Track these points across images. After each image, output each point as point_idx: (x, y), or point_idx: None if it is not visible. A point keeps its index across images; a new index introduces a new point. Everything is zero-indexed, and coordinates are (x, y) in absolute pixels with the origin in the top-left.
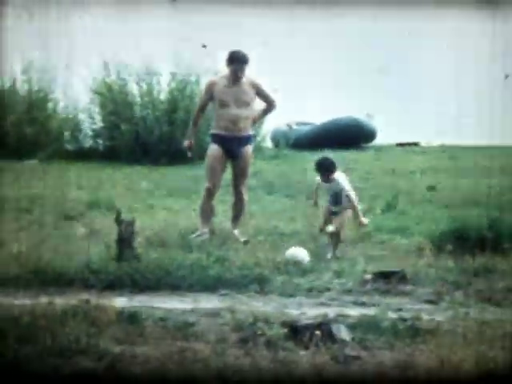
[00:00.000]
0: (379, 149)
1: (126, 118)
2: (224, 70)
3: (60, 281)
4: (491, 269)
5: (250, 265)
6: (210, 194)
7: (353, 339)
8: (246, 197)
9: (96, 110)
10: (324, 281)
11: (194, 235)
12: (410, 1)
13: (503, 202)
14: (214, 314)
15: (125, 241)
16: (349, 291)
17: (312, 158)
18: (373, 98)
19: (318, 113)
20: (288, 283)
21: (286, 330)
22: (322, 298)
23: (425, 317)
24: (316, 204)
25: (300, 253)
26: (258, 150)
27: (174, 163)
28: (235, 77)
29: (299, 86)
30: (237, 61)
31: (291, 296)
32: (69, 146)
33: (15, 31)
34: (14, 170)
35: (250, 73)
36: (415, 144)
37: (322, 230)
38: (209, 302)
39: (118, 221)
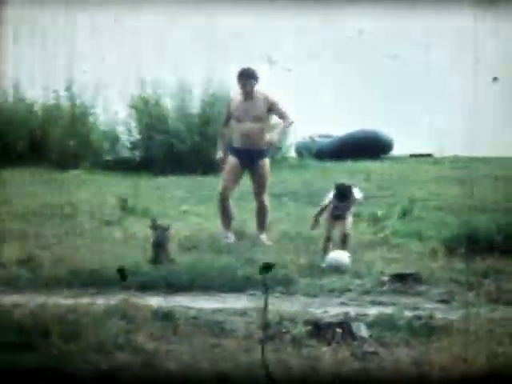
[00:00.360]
0: (395, 159)
1: (161, 130)
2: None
3: (100, 282)
4: (500, 270)
5: (276, 267)
6: (222, 198)
7: (371, 336)
8: (267, 204)
9: (133, 123)
10: (344, 282)
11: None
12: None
13: (511, 208)
14: (243, 313)
15: (160, 245)
16: (367, 292)
17: (333, 167)
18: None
19: (336, 125)
20: (311, 284)
21: (309, 328)
22: (343, 298)
23: (438, 315)
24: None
25: (342, 256)
26: (283, 160)
27: (205, 172)
28: (245, 92)
29: (321, 100)
30: (243, 76)
31: (314, 296)
32: (108, 157)
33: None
34: (58, 179)
35: (271, 88)
36: (429, 155)
37: (329, 239)
38: (237, 301)
39: (154, 226)
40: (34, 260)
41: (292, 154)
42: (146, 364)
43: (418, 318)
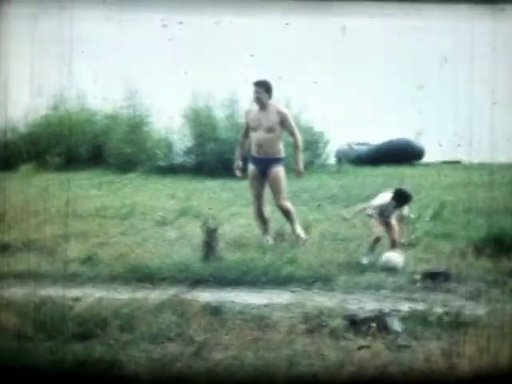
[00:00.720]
0: (427, 165)
1: (212, 138)
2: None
3: (154, 278)
4: None
5: (316, 265)
6: (255, 204)
7: (404, 330)
8: (288, 207)
9: (186, 131)
10: (379, 279)
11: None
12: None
13: None
14: (285, 308)
15: (209, 244)
16: (401, 288)
17: (370, 173)
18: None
19: (372, 133)
20: (348, 281)
21: (346, 322)
22: (378, 294)
23: (466, 311)
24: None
25: (395, 257)
26: (323, 166)
27: None
28: (259, 103)
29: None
30: (257, 88)
31: (351, 293)
32: (162, 163)
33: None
34: (116, 183)
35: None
36: (458, 162)
37: (379, 239)
38: (281, 297)
39: (204, 227)
40: (94, 258)
41: (332, 160)
42: (195, 354)
43: (448, 313)
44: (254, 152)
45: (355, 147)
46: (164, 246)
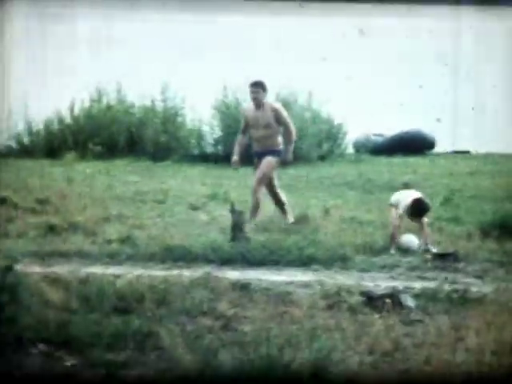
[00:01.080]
0: (438, 155)
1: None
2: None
3: (187, 257)
4: None
5: (335, 247)
6: (268, 192)
7: (417, 306)
8: (258, 196)
9: (216, 123)
10: (394, 259)
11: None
12: None
13: None
14: (307, 285)
15: (238, 226)
16: (413, 268)
17: (385, 162)
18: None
19: (388, 124)
20: (365, 261)
21: (363, 299)
22: (393, 273)
23: (474, 289)
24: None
25: (412, 239)
26: (343, 155)
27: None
28: (255, 102)
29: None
30: (254, 88)
31: (368, 271)
32: (194, 151)
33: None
34: (152, 170)
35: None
36: (466, 152)
37: (395, 233)
38: (303, 275)
39: (233, 210)
40: (132, 238)
41: (350, 150)
42: (224, 327)
43: (456, 291)
44: (255, 147)
45: (372, 138)
46: (196, 228)
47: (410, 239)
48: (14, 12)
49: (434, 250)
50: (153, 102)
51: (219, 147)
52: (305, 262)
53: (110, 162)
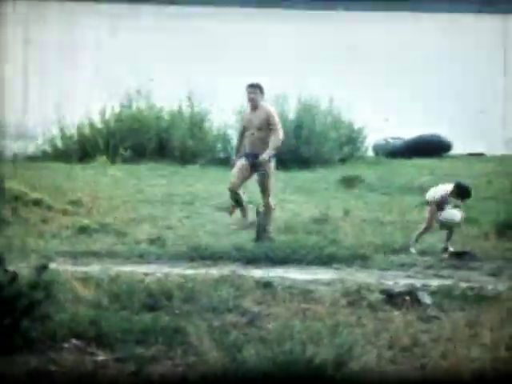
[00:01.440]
0: (454, 157)
1: None
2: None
3: (214, 256)
4: None
5: (355, 246)
6: (230, 191)
7: (433, 303)
8: (271, 205)
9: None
10: (412, 258)
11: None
12: None
13: None
14: (329, 283)
15: (262, 227)
16: (430, 266)
17: (403, 164)
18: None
19: (406, 127)
20: (384, 260)
21: (383, 296)
22: (411, 271)
23: (489, 286)
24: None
25: (455, 212)
26: (362, 158)
27: (300, 168)
28: (251, 103)
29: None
30: (250, 90)
31: (387, 270)
32: (220, 155)
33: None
34: (180, 173)
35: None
36: (481, 154)
37: (428, 229)
38: (325, 274)
39: (257, 212)
40: (161, 238)
41: (370, 153)
42: (249, 323)
43: (472, 288)
44: (247, 149)
45: (391, 141)
46: (222, 229)
47: (453, 212)
48: (47, 15)
49: (451, 249)
50: (180, 107)
51: None
52: (326, 261)
53: (139, 166)
